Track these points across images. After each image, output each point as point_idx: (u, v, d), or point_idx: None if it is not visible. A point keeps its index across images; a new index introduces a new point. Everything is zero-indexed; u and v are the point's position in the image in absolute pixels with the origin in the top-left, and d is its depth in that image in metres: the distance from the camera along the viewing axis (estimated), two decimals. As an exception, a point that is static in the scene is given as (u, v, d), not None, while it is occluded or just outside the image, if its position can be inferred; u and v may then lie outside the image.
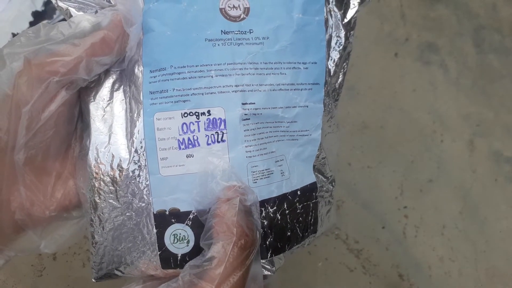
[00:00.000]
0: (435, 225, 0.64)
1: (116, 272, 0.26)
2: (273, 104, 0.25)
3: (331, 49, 0.28)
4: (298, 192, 0.27)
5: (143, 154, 0.25)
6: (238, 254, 0.22)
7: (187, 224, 0.25)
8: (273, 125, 0.26)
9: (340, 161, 0.65)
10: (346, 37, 0.28)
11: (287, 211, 0.27)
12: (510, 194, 0.66)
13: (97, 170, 0.25)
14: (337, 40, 0.27)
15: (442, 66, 0.71)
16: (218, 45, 0.24)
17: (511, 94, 0.71)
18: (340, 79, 0.28)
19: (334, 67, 0.28)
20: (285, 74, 0.26)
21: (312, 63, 0.26)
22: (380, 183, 0.65)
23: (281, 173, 0.26)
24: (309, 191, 0.28)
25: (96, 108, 0.25)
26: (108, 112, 0.25)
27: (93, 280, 0.27)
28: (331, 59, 0.27)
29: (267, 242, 0.26)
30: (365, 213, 0.63)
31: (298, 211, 0.27)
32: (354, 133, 0.67)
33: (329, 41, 0.27)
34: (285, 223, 0.26)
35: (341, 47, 0.28)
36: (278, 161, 0.26)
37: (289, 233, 0.27)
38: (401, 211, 0.64)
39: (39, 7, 0.59)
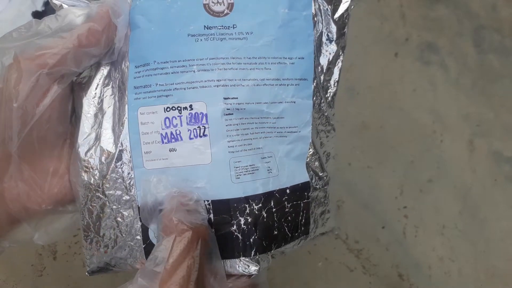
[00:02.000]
0: (435, 225, 0.64)
1: (107, 266, 0.27)
2: (257, 99, 0.25)
3: (323, 44, 0.27)
4: (287, 191, 0.27)
5: (127, 148, 0.25)
6: (183, 248, 0.22)
7: None
8: (259, 121, 0.26)
9: (340, 161, 0.65)
10: (339, 33, 0.27)
11: (274, 209, 0.26)
12: (510, 194, 0.66)
13: (87, 164, 0.25)
14: (328, 35, 0.27)
15: (442, 66, 0.71)
16: (201, 40, 0.24)
17: (511, 94, 0.71)
18: (335, 75, 0.28)
19: (326, 63, 0.27)
20: (270, 69, 0.25)
21: (299, 58, 0.26)
22: (380, 183, 0.65)
23: (268, 170, 0.26)
24: (300, 190, 0.27)
25: (88, 104, 0.26)
26: (99, 107, 0.26)
27: (87, 273, 0.27)
28: (323, 55, 0.27)
29: (251, 240, 0.26)
30: (365, 213, 0.63)
31: (287, 210, 0.27)
32: (354, 133, 0.67)
33: (319, 37, 0.27)
34: (272, 222, 0.26)
35: (332, 43, 0.27)
36: (265, 157, 0.26)
37: (276, 232, 0.27)
38: (401, 211, 0.64)
39: (39, 7, 0.59)
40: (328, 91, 0.28)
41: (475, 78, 0.71)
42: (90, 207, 0.26)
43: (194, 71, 0.24)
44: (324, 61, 0.27)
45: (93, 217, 0.26)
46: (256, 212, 0.26)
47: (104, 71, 0.26)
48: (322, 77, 0.27)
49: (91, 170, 0.26)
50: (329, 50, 0.27)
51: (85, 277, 0.58)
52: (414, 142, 0.67)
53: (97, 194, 0.26)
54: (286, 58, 0.26)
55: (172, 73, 0.24)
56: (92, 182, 0.26)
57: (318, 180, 0.29)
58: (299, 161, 0.27)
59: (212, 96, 0.24)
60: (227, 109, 0.25)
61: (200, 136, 0.25)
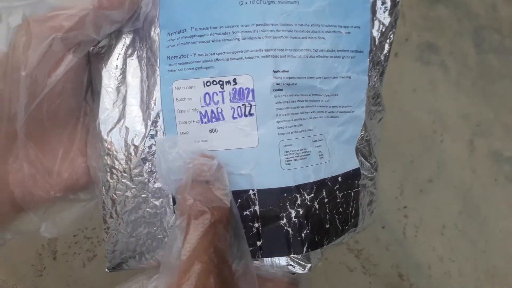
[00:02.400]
0: (435, 225, 0.64)
1: (131, 262, 0.24)
2: (310, 73, 0.22)
3: (376, 14, 0.24)
4: (339, 179, 0.24)
5: (161, 127, 0.22)
6: (200, 236, 0.19)
7: None
8: (310, 99, 0.23)
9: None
10: (393, 2, 0.24)
11: (326, 200, 0.23)
12: (510, 194, 0.66)
13: (109, 146, 0.22)
14: (383, 4, 0.24)
15: (442, 66, 0.71)
16: (246, 3, 0.21)
17: (511, 94, 0.71)
18: (386, 51, 0.25)
19: (379, 35, 0.24)
20: (324, 38, 0.22)
21: (354, 27, 0.23)
22: (380, 183, 0.64)
23: (320, 155, 0.23)
24: (351, 178, 0.25)
25: (109, 77, 0.23)
26: (122, 81, 0.23)
27: (106, 269, 0.24)
28: (375, 27, 0.24)
29: (303, 235, 0.23)
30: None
31: (338, 200, 0.24)
32: (354, 133, 0.67)
33: (373, 5, 0.24)
34: (324, 214, 0.23)
35: (386, 12, 0.24)
36: (316, 141, 0.23)
37: (327, 225, 0.24)
38: (401, 211, 0.64)
39: None
40: (378, 67, 0.25)
41: (475, 78, 0.71)
42: (114, 195, 0.23)
43: (238, 39, 0.21)
44: (376, 33, 0.24)
45: (117, 206, 0.23)
46: (308, 203, 0.23)
47: (126, 39, 0.23)
48: (375, 51, 0.24)
49: (115, 152, 0.22)
50: (383, 21, 0.24)
51: (85, 277, 0.58)
52: (414, 142, 0.67)
53: (123, 180, 0.22)
54: (341, 26, 0.23)
55: (212, 41, 0.21)
56: (116, 166, 0.22)
57: (368, 167, 0.26)
58: (349, 145, 0.25)
59: (260, 68, 0.21)
60: (277, 84, 0.21)
61: (245, 115, 0.22)
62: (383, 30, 0.24)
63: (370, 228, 0.67)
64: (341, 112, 0.24)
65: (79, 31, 0.20)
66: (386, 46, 0.25)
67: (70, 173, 0.23)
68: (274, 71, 0.21)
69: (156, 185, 0.22)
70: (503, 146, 0.68)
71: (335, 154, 0.24)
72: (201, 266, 0.19)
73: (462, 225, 0.64)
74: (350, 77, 0.23)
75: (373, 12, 0.24)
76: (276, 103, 0.22)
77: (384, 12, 0.24)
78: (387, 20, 0.24)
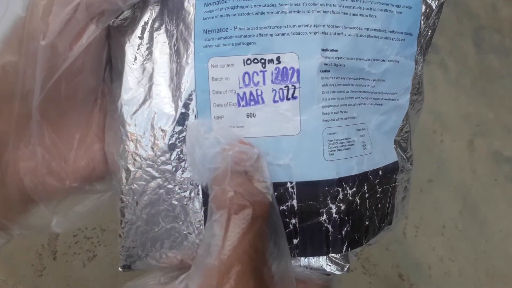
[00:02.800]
0: (435, 225, 0.64)
1: (149, 260, 0.22)
2: (359, 53, 0.20)
3: None
4: (380, 172, 0.22)
5: (193, 110, 0.20)
6: (241, 232, 0.17)
7: None
8: (356, 83, 0.21)
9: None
10: None
11: (367, 195, 0.21)
12: (510, 194, 0.66)
13: (132, 130, 0.20)
14: None
15: (442, 66, 0.71)
16: None
17: (511, 94, 0.71)
18: (428, 36, 0.23)
19: (425, 20, 0.22)
20: (376, 16, 0.20)
21: (406, 7, 0.21)
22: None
23: (363, 145, 0.21)
24: (390, 171, 0.23)
25: (133, 52, 0.20)
26: (148, 57, 0.20)
27: (120, 269, 0.22)
28: (423, 10, 0.22)
29: (343, 232, 0.21)
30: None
31: (378, 195, 0.22)
32: (354, 133, 0.67)
33: None
34: (364, 210, 0.21)
35: None
36: (359, 130, 0.21)
37: (367, 222, 0.22)
38: (401, 211, 0.64)
39: None
40: (423, 53, 0.23)
41: (475, 78, 0.71)
42: (136, 185, 0.20)
43: (285, 12, 0.19)
44: (423, 17, 0.22)
45: (139, 198, 0.21)
46: (350, 198, 0.21)
47: (153, 11, 0.20)
48: (421, 35, 0.23)
49: (139, 138, 0.20)
50: (430, 3, 0.22)
51: (85, 277, 0.58)
52: (413, 142, 0.67)
53: (147, 169, 0.20)
54: (393, 5, 0.21)
55: (256, 13, 0.19)
56: (140, 153, 0.20)
57: (404, 160, 0.24)
58: (389, 136, 0.23)
59: (308, 46, 0.19)
60: (325, 64, 0.19)
61: (288, 99, 0.19)
62: (430, 14, 0.22)
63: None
64: (385, 99, 0.22)
65: None
66: (429, 32, 0.23)
67: (87, 161, 0.21)
68: (323, 50, 0.19)
69: (184, 175, 0.20)
70: (503, 146, 0.68)
71: (377, 145, 0.22)
72: (242, 267, 0.17)
73: (462, 225, 0.64)
74: (398, 62, 0.21)
75: None
76: (323, 85, 0.19)
77: None
78: (434, 3, 0.22)
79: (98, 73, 0.20)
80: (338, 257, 0.22)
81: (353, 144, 0.21)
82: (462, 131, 0.68)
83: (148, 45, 0.20)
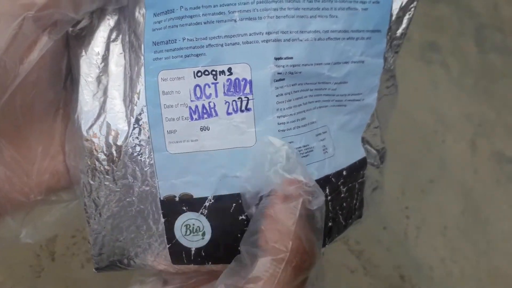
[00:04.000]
0: (437, 225, 0.64)
1: (120, 265, 0.22)
2: (318, 59, 0.19)
3: None
4: (344, 172, 0.22)
5: (145, 125, 0.19)
6: (291, 276, 0.16)
7: (201, 213, 0.20)
8: (315, 87, 0.20)
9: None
10: None
11: (329, 198, 0.21)
12: (512, 194, 0.66)
13: (90, 145, 0.20)
14: None
15: (443, 65, 0.71)
16: None
17: (513, 93, 0.71)
18: (404, 26, 0.22)
19: (398, 9, 0.21)
20: (337, 16, 0.19)
21: (373, 2, 0.20)
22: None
23: (324, 149, 0.21)
24: (356, 169, 0.22)
25: (89, 65, 0.20)
26: (103, 69, 0.20)
27: (94, 270, 0.23)
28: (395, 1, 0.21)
29: None
30: (366, 214, 0.63)
31: (343, 195, 0.22)
32: (355, 133, 0.66)
33: None
34: (326, 213, 0.21)
35: None
36: (319, 134, 0.21)
37: (330, 224, 0.22)
38: (403, 211, 0.64)
39: None
40: (395, 46, 0.22)
41: (477, 78, 0.71)
42: (97, 198, 0.21)
43: (235, 20, 0.18)
44: (395, 5, 0.21)
45: (101, 209, 0.21)
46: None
47: (110, 21, 0.20)
48: (392, 28, 0.21)
49: (95, 152, 0.20)
50: None
51: (83, 278, 0.58)
52: (415, 142, 0.67)
53: (105, 183, 0.20)
54: (357, 2, 0.19)
55: (205, 23, 0.18)
56: (98, 168, 0.20)
57: (374, 154, 0.24)
58: (356, 133, 0.22)
59: (260, 55, 0.18)
60: (278, 73, 0.19)
61: (242, 111, 0.19)
62: (404, 3, 0.21)
63: (371, 229, 0.67)
64: (349, 100, 0.21)
65: (55, 9, 0.17)
66: (405, 21, 0.21)
67: (51, 173, 0.21)
68: (276, 58, 0.19)
69: (141, 189, 0.20)
70: (505, 146, 0.68)
71: (340, 146, 0.21)
72: None
73: (464, 225, 0.64)
74: (363, 62, 0.21)
75: None
76: (277, 95, 0.19)
77: None
78: None
79: (57, 84, 0.20)
80: None
81: (312, 150, 0.20)
82: (463, 131, 0.68)
83: (104, 56, 0.20)
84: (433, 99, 0.69)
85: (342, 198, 0.22)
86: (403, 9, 0.21)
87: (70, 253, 0.54)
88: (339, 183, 0.22)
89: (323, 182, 0.21)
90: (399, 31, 0.21)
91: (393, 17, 0.21)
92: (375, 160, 0.24)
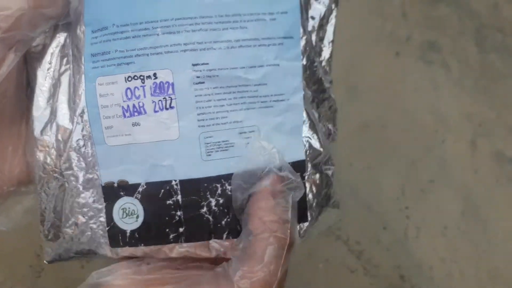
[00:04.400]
0: (437, 226, 0.64)
1: (67, 253, 0.25)
2: (232, 63, 0.23)
3: None
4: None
5: (86, 122, 0.23)
6: (288, 255, 0.21)
7: (136, 198, 0.24)
8: (237, 90, 0.23)
9: (340, 161, 0.65)
10: None
11: None
12: (512, 194, 0.66)
13: (42, 143, 0.24)
14: None
15: (444, 65, 0.71)
16: None
17: (513, 93, 0.71)
18: (328, 35, 0.25)
19: (318, 19, 0.24)
20: (246, 27, 0.23)
21: (281, 13, 0.23)
22: (381, 183, 0.64)
23: (247, 146, 0.24)
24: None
25: (43, 76, 0.24)
26: (55, 79, 0.24)
27: (45, 262, 0.25)
28: (313, 9, 0.24)
29: (223, 222, 0.24)
30: (366, 214, 0.63)
31: None
32: (355, 133, 0.66)
33: None
34: None
35: None
36: (244, 132, 0.23)
37: None
38: (403, 211, 0.64)
39: None
40: (322, 53, 0.25)
41: (477, 78, 0.71)
42: (48, 188, 0.24)
43: (158, 34, 0.22)
44: (315, 16, 0.24)
45: (51, 199, 0.24)
46: (229, 192, 0.24)
47: (61, 38, 0.24)
48: (314, 36, 0.24)
49: (47, 148, 0.24)
50: (321, 2, 0.24)
51: (83, 279, 0.58)
52: (415, 142, 0.67)
53: (54, 175, 0.24)
54: (265, 13, 0.23)
55: (133, 37, 0.22)
56: (48, 162, 0.24)
57: (315, 158, 0.26)
58: (293, 135, 0.25)
59: (179, 62, 0.22)
60: (197, 77, 0.22)
61: (166, 109, 0.23)
62: (322, 13, 0.24)
63: (371, 229, 0.67)
64: (274, 101, 0.24)
65: (17, 31, 0.20)
66: (329, 29, 0.25)
67: (21, 169, 0.24)
68: (193, 65, 0.22)
69: (86, 177, 0.24)
70: (505, 146, 0.68)
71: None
72: (284, 276, 0.21)
73: (464, 225, 0.64)
74: (279, 65, 0.23)
75: None
76: (196, 96, 0.22)
77: None
78: (325, 2, 0.24)
79: (22, 93, 0.24)
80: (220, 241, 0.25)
81: (232, 146, 0.23)
82: (464, 131, 0.68)
83: (55, 68, 0.24)
84: (433, 99, 0.69)
85: None
86: (324, 18, 0.24)
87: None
88: None
89: None
90: (326, 39, 0.25)
91: (316, 27, 0.24)
92: (317, 164, 0.26)
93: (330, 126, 0.27)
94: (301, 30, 0.24)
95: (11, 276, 0.54)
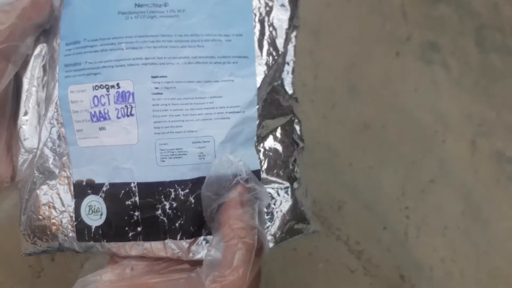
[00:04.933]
0: (437, 226, 0.63)
1: (41, 245, 0.27)
2: (189, 77, 0.25)
3: (266, 22, 0.26)
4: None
5: (61, 125, 0.26)
6: (256, 260, 0.22)
7: (100, 196, 0.25)
8: (194, 101, 0.25)
9: (341, 161, 0.65)
10: (293, 7, 0.26)
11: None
12: (512, 194, 0.66)
13: (26, 145, 0.27)
14: (275, 16, 0.26)
15: (444, 65, 0.71)
16: (131, 18, 0.24)
17: (513, 93, 0.71)
18: (290, 53, 0.27)
19: (283, 41, 0.26)
20: (203, 46, 0.25)
21: (236, 35, 0.25)
22: (381, 183, 0.64)
23: (200, 156, 0.25)
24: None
25: (28, 83, 0.27)
26: (37, 86, 0.27)
27: (22, 254, 0.28)
28: (267, 32, 0.26)
29: (177, 224, 0.26)
30: (366, 214, 0.63)
31: None
32: (355, 133, 0.66)
33: (268, 13, 0.26)
34: (202, 208, 0.26)
35: (283, 18, 0.26)
36: (198, 142, 0.25)
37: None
38: (403, 211, 0.64)
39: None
40: (278, 69, 0.27)
41: (477, 78, 0.71)
42: (27, 185, 0.27)
43: (122, 49, 0.24)
44: (273, 37, 0.26)
45: (29, 194, 0.26)
46: (182, 197, 0.25)
47: (43, 50, 0.27)
48: (272, 55, 0.26)
49: (29, 150, 0.27)
50: (280, 25, 0.26)
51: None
52: (415, 142, 0.67)
53: (33, 173, 0.26)
54: (221, 35, 0.25)
55: (101, 51, 0.24)
56: (29, 160, 0.27)
57: (274, 170, 0.27)
58: (247, 147, 0.26)
59: (140, 74, 0.24)
60: (156, 88, 0.24)
61: (127, 116, 0.25)
62: (273, 35, 0.26)
63: (371, 229, 0.67)
64: (230, 112, 0.25)
65: (11, 42, 0.23)
66: (290, 49, 0.27)
67: (14, 167, 0.27)
68: (153, 77, 0.24)
69: (61, 174, 0.26)
70: (505, 146, 0.68)
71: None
72: (254, 278, 0.22)
73: (464, 225, 0.64)
74: (233, 81, 0.25)
75: (263, 20, 0.26)
76: (153, 105, 0.24)
77: (278, 21, 0.26)
78: (282, 25, 0.26)
79: (11, 98, 0.26)
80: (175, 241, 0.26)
81: (185, 154, 0.25)
82: (464, 131, 0.68)
83: (38, 76, 0.27)
84: (433, 99, 0.69)
85: None
86: (287, 40, 0.26)
87: (70, 253, 0.54)
88: None
89: (197, 182, 0.26)
90: (288, 57, 0.27)
91: (280, 49, 0.26)
92: (276, 176, 0.27)
93: (296, 138, 0.28)
94: (257, 50, 0.26)
95: (10, 276, 0.54)
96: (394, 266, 0.61)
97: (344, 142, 0.65)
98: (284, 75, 0.27)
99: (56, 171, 0.26)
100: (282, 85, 0.27)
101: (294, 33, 0.27)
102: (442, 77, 0.70)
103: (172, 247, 0.26)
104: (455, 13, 0.74)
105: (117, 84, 0.24)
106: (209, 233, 0.26)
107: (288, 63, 0.27)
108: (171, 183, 0.25)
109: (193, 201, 0.26)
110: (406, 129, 0.67)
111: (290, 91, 0.28)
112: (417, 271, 0.61)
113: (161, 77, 0.24)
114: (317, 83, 0.67)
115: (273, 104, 0.27)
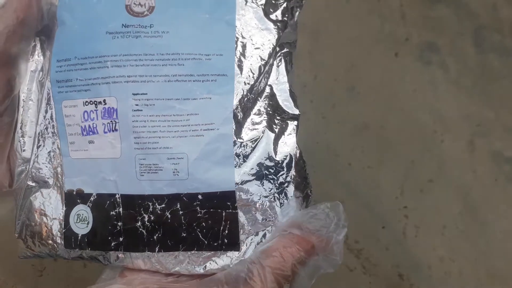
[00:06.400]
0: (436, 225, 0.64)
1: (33, 250, 0.28)
2: (168, 95, 0.26)
3: (250, 43, 0.26)
4: (199, 196, 0.26)
5: (56, 137, 0.27)
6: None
7: (88, 206, 0.27)
8: (172, 119, 0.26)
9: (340, 161, 0.65)
10: (278, 30, 0.27)
11: (181, 212, 0.26)
12: (510, 194, 0.66)
13: (23, 154, 0.28)
14: (258, 40, 0.27)
15: (442, 66, 0.71)
16: (117, 37, 0.26)
17: (511, 94, 0.71)
18: (277, 73, 0.27)
19: (264, 62, 0.26)
20: (183, 65, 0.26)
21: (216, 55, 0.26)
22: (380, 183, 0.65)
23: (174, 172, 0.26)
24: (218, 198, 0.26)
25: (25, 97, 0.28)
26: (34, 100, 0.28)
27: (19, 257, 0.29)
28: (251, 56, 0.26)
29: (155, 237, 0.26)
30: (365, 213, 0.63)
31: (200, 215, 0.26)
32: (354, 133, 0.66)
33: (251, 37, 0.26)
34: (178, 223, 0.26)
35: (266, 41, 0.26)
36: (172, 158, 0.26)
37: (184, 234, 0.26)
38: (401, 211, 0.64)
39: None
40: (263, 92, 0.27)
41: (476, 78, 0.71)
42: (23, 194, 0.28)
43: (108, 67, 0.25)
44: (264, 54, 0.27)
45: (24, 202, 0.28)
46: (159, 211, 0.26)
47: (38, 64, 0.28)
48: (254, 76, 0.26)
49: (25, 160, 0.28)
50: (261, 47, 0.27)
51: (85, 278, 0.58)
52: (414, 142, 0.67)
53: (28, 182, 0.28)
54: (202, 54, 0.26)
55: (90, 68, 0.26)
56: (26, 170, 0.28)
57: (262, 191, 0.27)
58: (224, 165, 0.26)
59: (122, 91, 0.25)
60: (136, 104, 0.25)
61: (112, 131, 0.26)
62: (272, 59, 0.27)
63: (370, 228, 0.67)
64: (204, 130, 0.26)
65: (10, 43, 0.24)
66: (274, 69, 0.27)
67: (12, 172, 0.29)
68: (134, 94, 0.25)
69: (54, 182, 0.27)
70: (503, 146, 0.68)
71: (200, 173, 0.26)
72: None
73: (462, 225, 0.64)
74: (210, 98, 0.26)
75: (243, 44, 0.26)
76: (133, 121, 0.25)
77: (260, 44, 0.27)
78: (265, 48, 0.27)
79: (15, 103, 0.28)
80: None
81: (161, 170, 0.26)
82: (462, 131, 0.68)
83: (33, 90, 0.28)
84: (432, 99, 0.69)
85: (199, 218, 0.26)
86: (269, 60, 0.27)
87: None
88: (194, 203, 0.26)
89: (172, 198, 0.26)
90: (274, 78, 0.27)
91: (262, 68, 0.27)
92: (257, 197, 0.27)
93: (283, 155, 0.28)
94: (236, 69, 0.26)
95: (13, 275, 0.54)
96: (393, 265, 0.61)
97: (343, 142, 0.66)
98: (264, 95, 0.27)
99: (50, 181, 0.27)
100: (262, 103, 0.27)
101: (279, 57, 0.27)
102: (441, 77, 0.70)
103: (152, 261, 0.27)
104: (453, 14, 0.74)
105: (104, 101, 0.26)
106: (187, 249, 0.26)
107: (265, 83, 0.27)
108: (149, 197, 0.26)
109: (169, 216, 0.26)
110: (405, 129, 0.67)
111: (267, 108, 0.27)
112: (416, 270, 0.62)
113: (141, 94, 0.25)
114: (316, 83, 0.68)
115: (253, 122, 0.27)
